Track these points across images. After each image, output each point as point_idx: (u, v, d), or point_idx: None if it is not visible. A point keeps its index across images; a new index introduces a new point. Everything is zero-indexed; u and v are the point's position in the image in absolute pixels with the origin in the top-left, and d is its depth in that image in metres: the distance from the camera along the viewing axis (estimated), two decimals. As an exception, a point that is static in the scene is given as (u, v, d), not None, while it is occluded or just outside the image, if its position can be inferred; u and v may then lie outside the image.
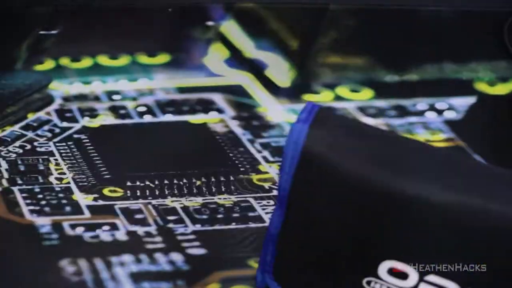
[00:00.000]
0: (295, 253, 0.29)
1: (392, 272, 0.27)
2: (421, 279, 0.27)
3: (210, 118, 0.45)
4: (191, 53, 0.47)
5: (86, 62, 0.46)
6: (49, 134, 0.43)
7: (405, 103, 0.45)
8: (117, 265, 0.38)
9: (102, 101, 0.45)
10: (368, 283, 0.27)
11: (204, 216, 0.40)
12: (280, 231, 0.28)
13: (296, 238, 0.29)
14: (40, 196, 0.40)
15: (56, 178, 0.39)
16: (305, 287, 0.29)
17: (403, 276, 0.27)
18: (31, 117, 0.43)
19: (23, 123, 0.43)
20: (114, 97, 0.45)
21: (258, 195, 0.39)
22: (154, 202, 0.40)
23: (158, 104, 0.45)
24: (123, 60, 0.46)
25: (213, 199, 0.39)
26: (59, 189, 0.39)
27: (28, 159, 0.41)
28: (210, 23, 0.48)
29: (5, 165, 0.41)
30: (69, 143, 0.42)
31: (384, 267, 0.27)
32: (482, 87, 0.46)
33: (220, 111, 0.45)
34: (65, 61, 0.46)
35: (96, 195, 0.38)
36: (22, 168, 0.41)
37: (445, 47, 0.48)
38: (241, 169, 0.41)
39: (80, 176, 0.38)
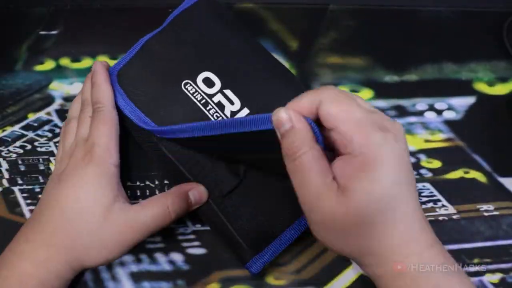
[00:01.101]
0: (140, 66, 0.38)
1: (204, 80, 0.37)
2: (220, 90, 0.37)
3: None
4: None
5: (86, 62, 0.46)
6: (50, 134, 0.43)
7: (404, 103, 0.46)
8: (117, 265, 0.38)
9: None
10: (185, 85, 0.37)
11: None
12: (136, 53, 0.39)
13: (144, 60, 0.39)
14: (40, 196, 0.40)
15: (57, 178, 0.39)
16: (141, 86, 0.38)
17: (210, 84, 0.37)
18: (31, 117, 0.43)
19: (23, 123, 0.43)
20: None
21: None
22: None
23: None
24: (123, 60, 0.46)
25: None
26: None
27: (29, 159, 0.41)
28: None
29: (5, 165, 0.41)
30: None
31: (201, 76, 0.37)
32: (482, 87, 0.46)
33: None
34: (65, 61, 0.46)
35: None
36: (22, 168, 0.41)
37: (444, 47, 0.48)
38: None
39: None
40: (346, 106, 0.26)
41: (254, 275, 0.35)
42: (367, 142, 0.26)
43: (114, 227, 0.32)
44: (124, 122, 0.38)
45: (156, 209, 0.33)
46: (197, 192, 0.35)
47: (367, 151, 0.26)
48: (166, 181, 0.41)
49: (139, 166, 0.41)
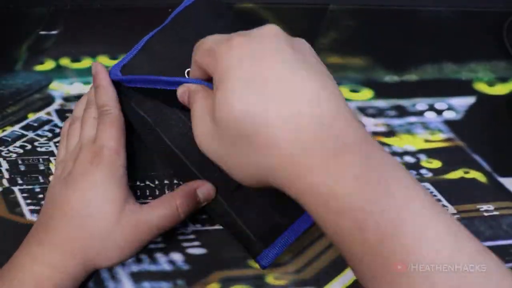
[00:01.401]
0: (141, 65, 0.39)
1: None
2: None
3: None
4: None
5: (86, 62, 0.46)
6: (50, 134, 0.43)
7: (404, 103, 0.46)
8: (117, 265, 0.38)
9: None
10: (187, 73, 0.37)
11: (204, 216, 0.40)
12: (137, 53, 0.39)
13: (144, 57, 0.39)
14: (40, 196, 0.40)
15: (57, 178, 0.39)
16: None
17: None
18: (31, 117, 0.43)
19: (23, 123, 0.43)
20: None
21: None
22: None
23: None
24: (123, 60, 0.46)
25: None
26: (59, 189, 0.39)
27: (29, 159, 0.41)
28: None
29: (5, 165, 0.41)
30: (69, 143, 0.42)
31: None
32: (482, 87, 0.46)
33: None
34: (65, 61, 0.46)
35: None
36: (22, 168, 0.41)
37: (444, 47, 0.48)
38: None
39: (81, 176, 0.38)
40: (201, 46, 0.28)
41: (263, 268, 0.35)
42: (214, 61, 0.27)
43: (126, 229, 0.32)
44: (128, 120, 0.38)
45: (166, 210, 0.34)
46: (205, 190, 0.35)
47: (217, 68, 0.26)
48: (166, 181, 0.41)
49: (139, 166, 0.41)
